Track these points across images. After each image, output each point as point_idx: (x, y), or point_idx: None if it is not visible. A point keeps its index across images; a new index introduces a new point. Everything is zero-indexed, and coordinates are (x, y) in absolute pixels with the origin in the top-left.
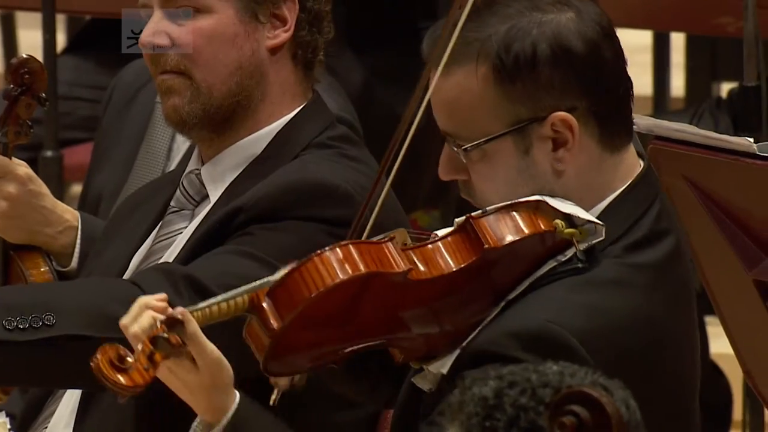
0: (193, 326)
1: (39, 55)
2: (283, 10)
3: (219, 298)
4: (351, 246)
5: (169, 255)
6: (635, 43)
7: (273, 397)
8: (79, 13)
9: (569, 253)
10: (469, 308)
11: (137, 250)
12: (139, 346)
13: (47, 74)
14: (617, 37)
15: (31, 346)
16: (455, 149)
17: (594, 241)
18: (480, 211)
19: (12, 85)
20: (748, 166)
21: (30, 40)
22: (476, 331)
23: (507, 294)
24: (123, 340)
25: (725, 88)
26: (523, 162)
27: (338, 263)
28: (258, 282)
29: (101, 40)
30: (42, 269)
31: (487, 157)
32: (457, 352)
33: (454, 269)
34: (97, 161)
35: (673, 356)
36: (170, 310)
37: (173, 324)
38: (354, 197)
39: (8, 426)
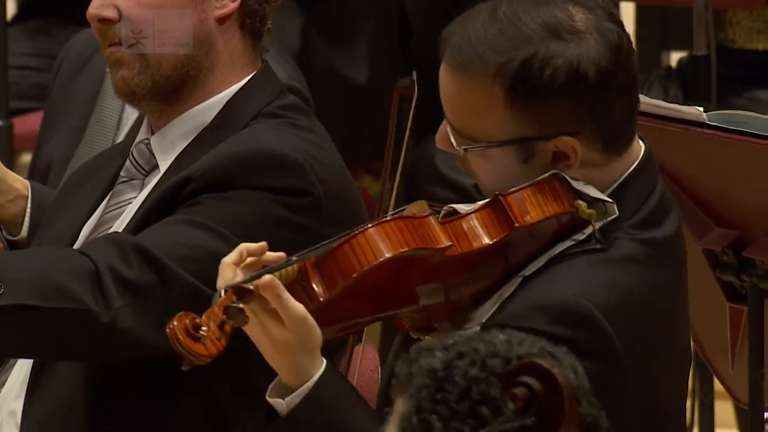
0: (278, 289)
1: None
2: None
3: (272, 267)
4: (398, 221)
5: (119, 225)
6: None
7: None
8: None
9: (586, 232)
10: (479, 282)
11: (87, 221)
12: (209, 317)
13: None
14: (633, 58)
15: None
16: (454, 142)
17: (607, 220)
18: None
19: None
20: (698, 136)
21: None
22: (492, 307)
23: (517, 270)
24: (72, 311)
25: (675, 57)
26: (521, 168)
27: (387, 239)
28: (306, 251)
29: (50, 9)
30: None
31: (485, 156)
32: (476, 328)
33: (485, 245)
34: (47, 130)
35: (676, 332)
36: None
37: (243, 293)
38: (303, 166)
39: None
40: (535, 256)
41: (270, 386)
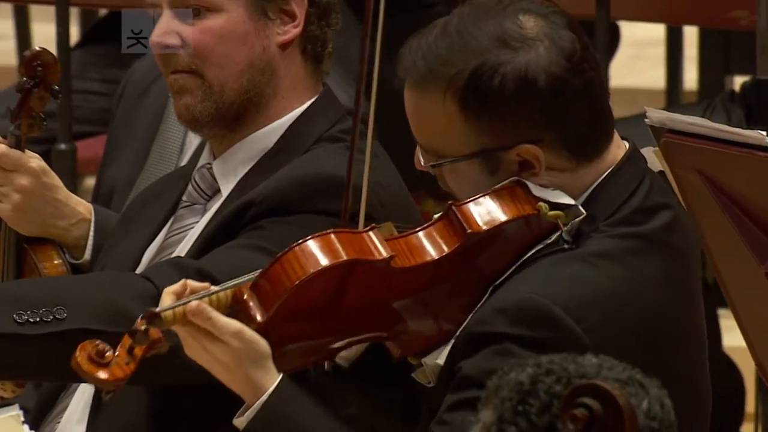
0: (207, 311)
1: (52, 49)
2: (292, 5)
3: (203, 293)
4: (331, 235)
5: (181, 249)
6: (649, 37)
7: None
8: (92, 6)
9: (554, 235)
10: (460, 299)
11: (149, 245)
12: (122, 341)
13: (60, 67)
14: (591, 63)
15: (42, 339)
16: (422, 160)
17: (577, 220)
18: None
19: (25, 78)
20: (761, 160)
21: (44, 33)
22: (468, 318)
23: (495, 281)
24: None
25: (738, 81)
26: (489, 180)
27: (318, 251)
28: (241, 278)
29: (114, 34)
30: (55, 262)
31: (455, 171)
32: (451, 342)
33: (438, 256)
34: (111, 154)
35: (672, 326)
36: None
37: (152, 318)
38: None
39: (22, 419)
40: (509, 266)
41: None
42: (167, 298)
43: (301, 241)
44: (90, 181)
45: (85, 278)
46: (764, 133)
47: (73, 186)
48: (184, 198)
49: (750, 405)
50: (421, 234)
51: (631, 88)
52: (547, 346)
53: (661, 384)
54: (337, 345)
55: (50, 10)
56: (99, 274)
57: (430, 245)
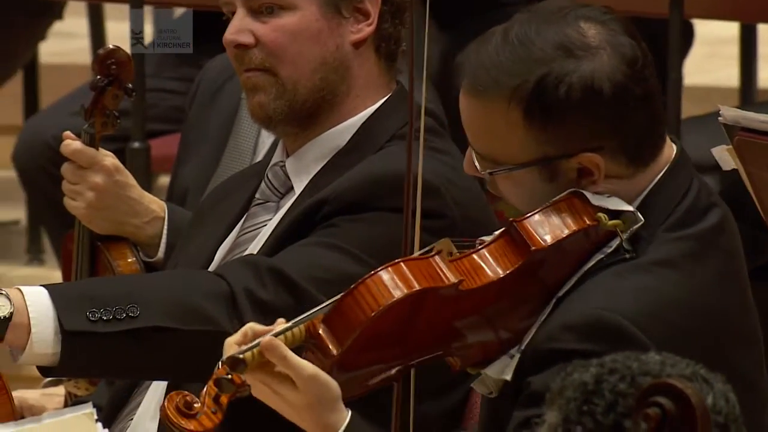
0: (281, 350)
1: (126, 47)
2: (365, 4)
3: (275, 330)
4: (401, 264)
5: (254, 247)
6: (722, 35)
7: None
8: (166, 5)
9: (614, 243)
10: (521, 310)
11: (222, 243)
12: (205, 390)
13: (134, 65)
14: (650, 69)
15: (114, 337)
16: (478, 167)
17: (635, 227)
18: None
19: (99, 76)
20: None
21: (118, 32)
22: (533, 331)
23: (557, 291)
24: (208, 333)
25: None
26: (547, 187)
27: (390, 283)
28: (312, 311)
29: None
30: (129, 260)
31: (511, 179)
32: (517, 356)
33: (503, 275)
34: (184, 154)
35: (731, 325)
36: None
37: (235, 364)
38: (439, 188)
39: (95, 417)
40: (569, 276)
41: None
42: (229, 348)
43: (372, 272)
44: (164, 180)
45: (158, 276)
46: None
47: (147, 184)
48: (257, 195)
49: None
50: (483, 253)
51: (705, 86)
52: None
53: (725, 379)
54: (400, 369)
55: (124, 9)
56: (172, 272)
57: (493, 264)
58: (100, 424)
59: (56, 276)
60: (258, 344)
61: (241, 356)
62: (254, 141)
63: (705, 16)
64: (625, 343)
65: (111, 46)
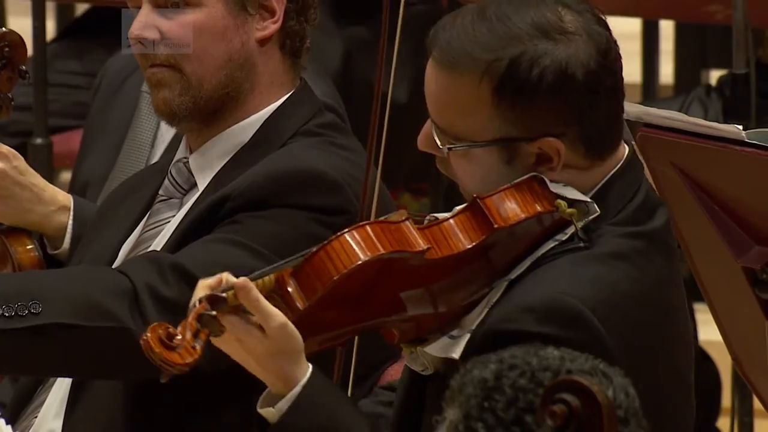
0: (255, 293)
1: (29, 42)
2: (271, 1)
3: (248, 276)
4: (373, 225)
5: (158, 244)
6: (624, 31)
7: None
8: (68, 1)
9: (569, 231)
10: (465, 289)
11: (126, 240)
12: (185, 325)
13: (36, 61)
14: (619, 63)
15: (17, 334)
16: (438, 142)
17: (589, 218)
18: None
19: None
20: (737, 154)
21: (20, 27)
22: (482, 313)
23: (503, 275)
24: (110, 329)
25: (714, 75)
26: (503, 169)
27: (362, 243)
28: (281, 262)
29: (92, 28)
30: (28, 247)
31: (468, 156)
32: (466, 336)
33: (465, 248)
34: (85, 148)
35: (674, 325)
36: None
37: (216, 301)
38: (342, 185)
39: None
40: (520, 260)
41: (260, 398)
42: (201, 290)
43: (344, 231)
44: (66, 176)
45: (61, 272)
46: (740, 127)
47: (50, 180)
48: (160, 192)
49: (726, 399)
50: (447, 225)
51: None
52: (575, 345)
53: (624, 373)
54: (358, 330)
55: (26, 5)
56: (75, 268)
57: (457, 237)
58: (3, 421)
59: None
60: (232, 286)
61: (222, 294)
62: (152, 135)
63: (607, 12)
64: (580, 329)
65: (2, 29)
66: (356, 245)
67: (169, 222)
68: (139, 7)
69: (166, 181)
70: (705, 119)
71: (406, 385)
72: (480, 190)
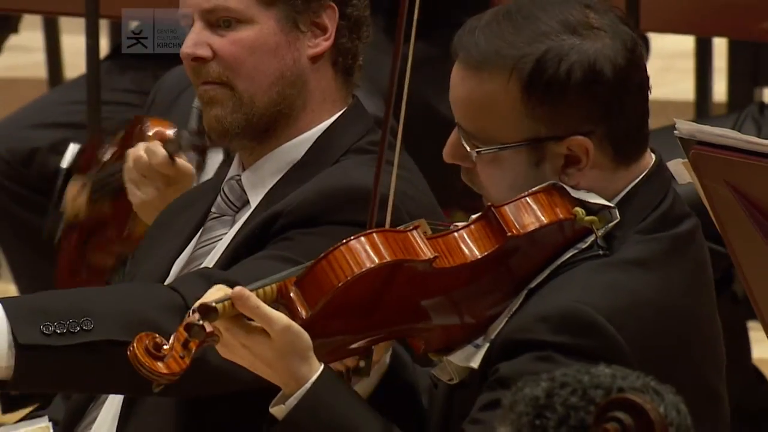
0: (253, 300)
1: (82, 60)
2: (323, 18)
3: (249, 287)
4: (377, 234)
5: (210, 261)
6: (678, 49)
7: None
8: (119, 18)
9: (588, 240)
10: (489, 298)
11: (179, 256)
12: (174, 334)
13: (90, 79)
14: (644, 61)
15: (69, 351)
16: (467, 147)
17: (610, 225)
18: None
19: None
20: None
21: (73, 45)
22: (502, 322)
23: (527, 283)
24: None
25: None
26: (531, 172)
27: (365, 251)
28: (285, 272)
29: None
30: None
31: (497, 161)
32: (485, 345)
33: (478, 257)
34: None
35: (699, 332)
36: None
37: (207, 311)
38: (394, 202)
39: (51, 431)
40: (541, 269)
41: (273, 401)
42: (214, 289)
43: (347, 239)
44: None
45: (113, 289)
46: None
47: None
48: (213, 210)
49: None
50: (461, 234)
51: (661, 100)
52: (589, 354)
53: (675, 390)
54: (366, 342)
55: (80, 22)
56: (126, 285)
57: (469, 246)
58: None
59: (11, 289)
60: (230, 296)
61: (213, 305)
62: None
63: (660, 30)
64: (596, 338)
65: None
66: (359, 254)
67: (221, 239)
68: (191, 25)
69: (219, 199)
70: (758, 137)
71: (434, 394)
72: (506, 197)
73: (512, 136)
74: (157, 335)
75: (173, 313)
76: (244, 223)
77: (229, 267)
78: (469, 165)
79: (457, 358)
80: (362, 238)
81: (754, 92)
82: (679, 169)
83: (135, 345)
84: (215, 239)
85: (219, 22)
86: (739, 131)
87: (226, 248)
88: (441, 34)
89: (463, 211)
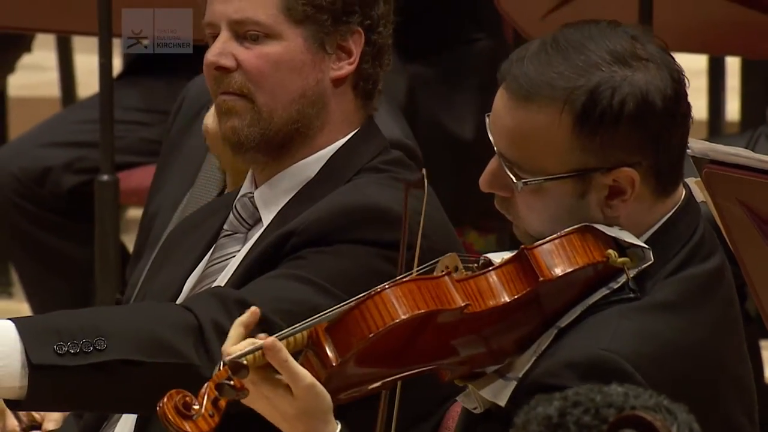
0: (284, 354)
1: (95, 79)
2: (349, 42)
3: (278, 334)
4: (411, 283)
5: (222, 279)
6: (691, 68)
7: None
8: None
9: (621, 280)
10: (518, 333)
11: (191, 274)
12: (204, 392)
13: (102, 98)
14: (686, 91)
15: (82, 370)
16: (510, 176)
17: (643, 266)
18: (534, 242)
19: None
20: None
21: (86, 65)
22: (531, 360)
23: (556, 319)
24: (175, 366)
25: None
26: (576, 203)
27: (398, 301)
28: (316, 317)
29: (156, 64)
30: None
31: (540, 191)
32: (513, 383)
33: (509, 301)
34: (161, 173)
35: (728, 373)
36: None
37: (237, 369)
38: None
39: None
40: (571, 306)
41: None
42: (235, 328)
43: (381, 288)
44: (133, 213)
45: (126, 308)
46: None
47: (116, 217)
48: (225, 227)
49: None
50: (491, 276)
51: None
52: None
53: (689, 409)
54: (388, 382)
55: (93, 42)
56: (139, 304)
57: (500, 289)
58: None
59: (24, 309)
60: (260, 347)
61: (243, 361)
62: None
63: (673, 49)
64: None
65: None
66: (393, 304)
67: (233, 257)
68: (216, 36)
69: (231, 216)
70: None
71: (462, 422)
72: (547, 228)
73: (559, 167)
74: (187, 394)
75: (187, 333)
76: (257, 240)
77: (242, 285)
78: (507, 194)
79: (485, 391)
80: (396, 287)
81: (766, 111)
82: (693, 188)
83: (165, 402)
84: (228, 257)
85: (246, 34)
86: (752, 150)
87: (238, 266)
88: (452, 52)
89: (476, 230)
